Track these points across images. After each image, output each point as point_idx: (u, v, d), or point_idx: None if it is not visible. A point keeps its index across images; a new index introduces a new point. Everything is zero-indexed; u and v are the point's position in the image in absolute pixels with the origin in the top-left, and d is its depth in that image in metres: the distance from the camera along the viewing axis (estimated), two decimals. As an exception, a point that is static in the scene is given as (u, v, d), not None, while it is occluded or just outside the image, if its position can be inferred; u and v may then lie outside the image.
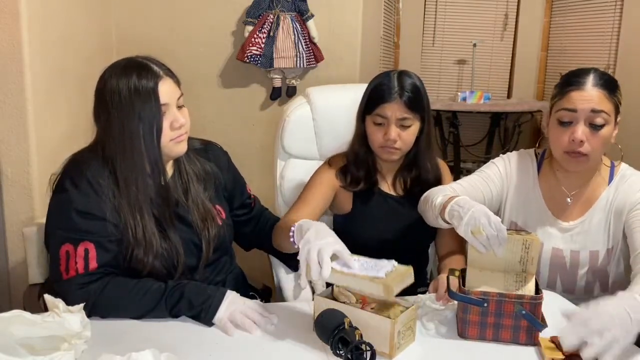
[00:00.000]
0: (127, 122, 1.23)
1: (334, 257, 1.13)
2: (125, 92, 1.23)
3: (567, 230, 1.46)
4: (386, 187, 1.61)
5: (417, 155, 1.57)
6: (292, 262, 1.60)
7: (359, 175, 1.57)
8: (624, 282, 1.42)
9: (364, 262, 1.15)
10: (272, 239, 1.51)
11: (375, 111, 1.49)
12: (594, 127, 1.34)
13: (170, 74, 1.30)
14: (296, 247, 1.24)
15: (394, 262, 1.16)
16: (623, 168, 1.47)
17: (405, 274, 1.13)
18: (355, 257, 1.17)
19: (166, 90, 1.26)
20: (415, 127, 1.50)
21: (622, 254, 1.44)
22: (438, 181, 1.60)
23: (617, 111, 1.38)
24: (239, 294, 1.26)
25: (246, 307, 1.21)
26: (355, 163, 1.57)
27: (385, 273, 1.11)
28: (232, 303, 1.21)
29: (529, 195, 1.50)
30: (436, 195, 1.37)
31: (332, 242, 1.14)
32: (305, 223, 1.22)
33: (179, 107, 1.30)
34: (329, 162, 1.62)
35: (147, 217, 1.27)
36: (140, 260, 1.27)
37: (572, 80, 1.37)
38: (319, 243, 1.12)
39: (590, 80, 1.35)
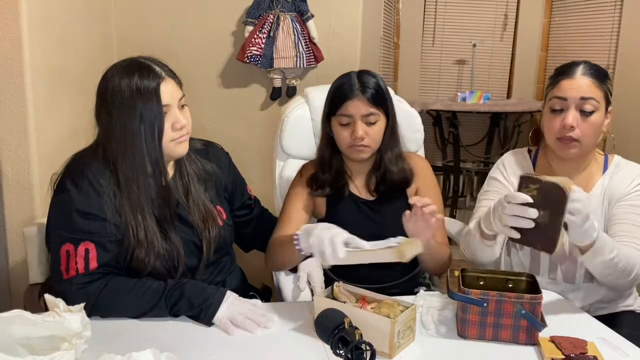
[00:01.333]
0: (128, 123, 1.23)
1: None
2: (127, 93, 1.23)
3: None
4: (357, 190, 1.60)
5: (381, 154, 1.56)
6: None
7: (324, 179, 1.56)
8: None
9: (374, 243, 1.21)
10: (267, 258, 1.51)
11: (339, 111, 1.49)
12: (584, 113, 1.41)
13: (172, 74, 1.30)
14: (302, 253, 1.27)
15: (400, 238, 1.22)
16: (617, 158, 1.53)
17: (415, 242, 1.21)
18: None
19: (168, 91, 1.26)
20: (381, 123, 1.50)
21: None
22: (407, 180, 1.57)
23: (607, 100, 1.44)
24: (238, 295, 1.26)
25: (246, 308, 1.21)
26: (322, 167, 1.57)
27: (396, 243, 1.19)
28: (232, 304, 1.21)
29: None
30: (467, 230, 1.46)
31: (342, 232, 1.19)
32: (310, 226, 1.24)
33: (181, 107, 1.31)
34: (300, 171, 1.63)
35: (148, 217, 1.27)
36: (142, 260, 1.27)
37: (563, 70, 1.45)
38: (329, 233, 1.18)
39: (580, 69, 1.43)
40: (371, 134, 1.49)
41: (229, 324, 1.18)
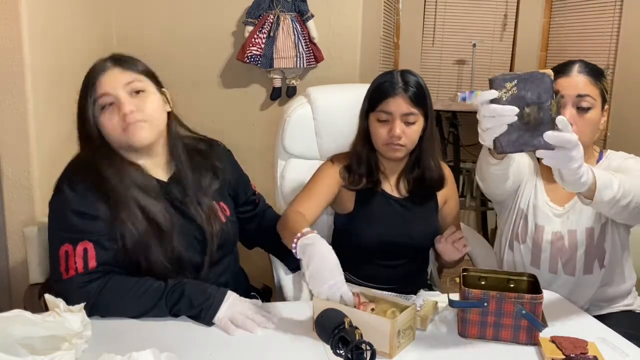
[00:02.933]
0: (80, 123, 1.29)
1: None
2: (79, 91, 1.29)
3: (563, 214, 1.52)
4: (389, 188, 1.60)
5: (421, 154, 1.57)
6: (291, 263, 1.58)
7: (360, 173, 1.56)
8: (620, 258, 1.51)
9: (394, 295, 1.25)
10: (277, 227, 1.49)
11: (379, 107, 1.49)
12: (581, 110, 1.43)
13: (124, 63, 1.29)
14: (296, 254, 1.27)
15: (421, 300, 1.26)
16: (610, 152, 1.56)
17: (432, 306, 1.26)
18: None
19: (109, 79, 1.26)
20: (419, 124, 1.50)
21: (615, 227, 1.49)
22: (441, 181, 1.60)
23: (603, 98, 1.47)
24: (239, 295, 1.26)
25: (246, 308, 1.21)
26: (358, 162, 1.57)
27: (418, 305, 1.21)
28: (233, 304, 1.21)
29: (534, 186, 1.57)
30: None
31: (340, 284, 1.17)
32: (309, 244, 1.22)
33: (135, 93, 1.27)
34: (332, 159, 1.61)
35: (147, 215, 1.27)
36: (143, 259, 1.26)
37: (559, 69, 1.48)
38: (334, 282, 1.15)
39: (576, 67, 1.46)
40: (408, 134, 1.49)
41: (229, 324, 1.18)
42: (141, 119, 1.26)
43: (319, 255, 1.19)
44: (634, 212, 1.29)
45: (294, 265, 1.50)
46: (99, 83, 1.26)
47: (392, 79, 1.48)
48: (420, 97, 1.48)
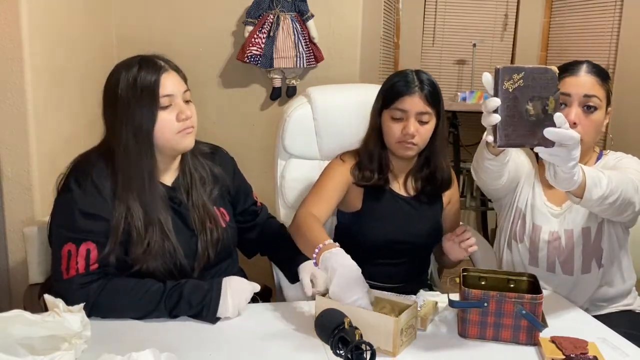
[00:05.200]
0: (127, 119, 1.24)
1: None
2: (124, 87, 1.24)
3: (560, 213, 1.52)
4: (397, 187, 1.61)
5: (432, 154, 1.57)
6: (291, 274, 1.54)
7: (371, 168, 1.56)
8: (618, 257, 1.51)
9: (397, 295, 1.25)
10: (289, 229, 1.49)
11: (394, 105, 1.49)
12: (587, 110, 1.42)
13: (177, 69, 1.32)
14: (317, 266, 1.28)
15: (421, 299, 1.27)
16: (610, 152, 1.54)
17: (432, 307, 1.27)
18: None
19: (171, 82, 1.27)
20: (432, 124, 1.51)
21: (612, 226, 1.48)
22: (450, 182, 1.61)
23: (608, 100, 1.46)
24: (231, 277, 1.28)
25: (246, 290, 1.27)
26: (369, 159, 1.57)
27: (419, 304, 1.22)
28: (233, 289, 1.24)
29: (532, 186, 1.56)
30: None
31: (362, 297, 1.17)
32: (332, 258, 1.22)
33: (186, 103, 1.31)
34: (341, 157, 1.61)
35: (149, 218, 1.27)
36: (143, 261, 1.26)
37: (567, 67, 1.47)
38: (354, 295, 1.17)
39: (584, 68, 1.45)
40: (422, 133, 1.49)
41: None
42: (192, 126, 1.31)
43: (344, 269, 1.19)
44: (620, 208, 1.29)
45: (294, 276, 1.47)
46: (162, 82, 1.26)
47: (407, 78, 1.50)
48: (434, 97, 1.49)
